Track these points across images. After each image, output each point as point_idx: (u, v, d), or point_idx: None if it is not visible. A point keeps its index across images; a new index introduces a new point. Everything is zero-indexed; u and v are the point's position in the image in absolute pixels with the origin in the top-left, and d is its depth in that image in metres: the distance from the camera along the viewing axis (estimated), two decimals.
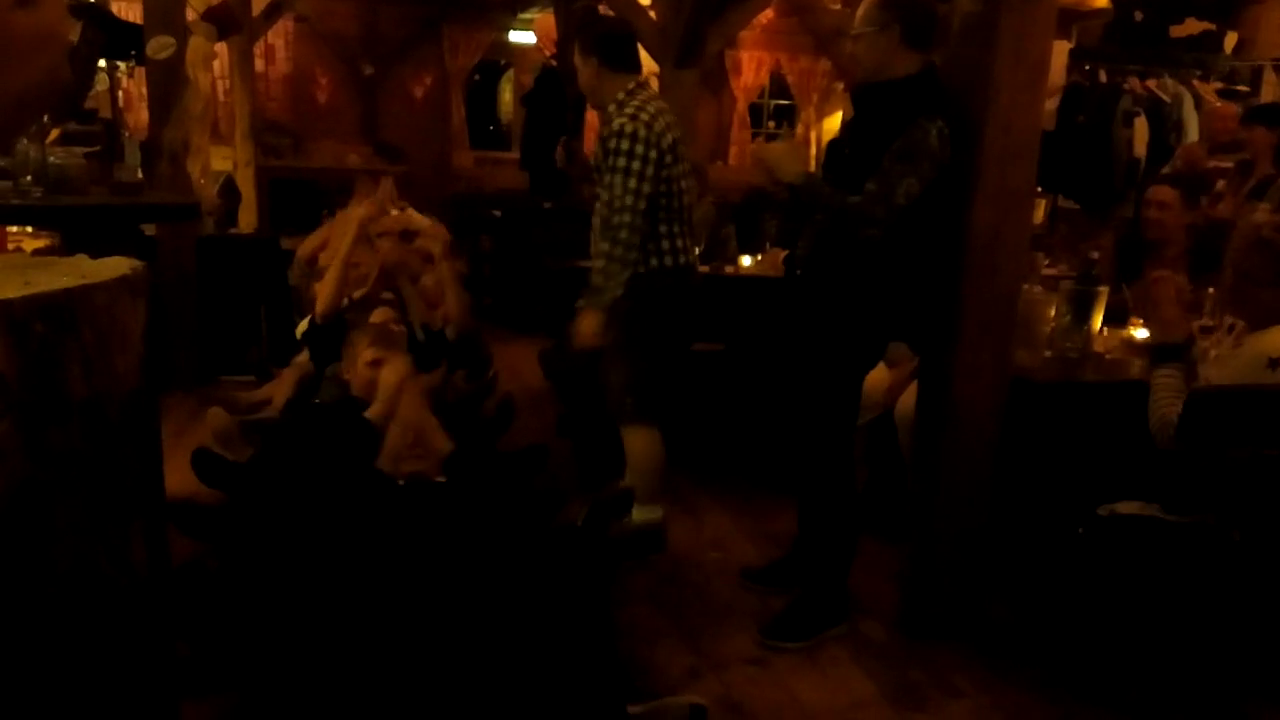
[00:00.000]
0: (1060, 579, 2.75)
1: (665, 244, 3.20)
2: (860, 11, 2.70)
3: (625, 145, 3.02)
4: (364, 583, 2.27)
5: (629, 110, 3.09)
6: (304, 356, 4.23)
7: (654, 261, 3.18)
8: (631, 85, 3.18)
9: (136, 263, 1.60)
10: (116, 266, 1.56)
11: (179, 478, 2.89)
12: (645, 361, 3.24)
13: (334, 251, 3.82)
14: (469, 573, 2.34)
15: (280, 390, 4.01)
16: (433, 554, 2.39)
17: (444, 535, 2.46)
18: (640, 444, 3.32)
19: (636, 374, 3.23)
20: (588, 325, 3.09)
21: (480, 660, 2.16)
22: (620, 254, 3.03)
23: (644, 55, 6.42)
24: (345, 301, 3.66)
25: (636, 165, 3.01)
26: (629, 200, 3.01)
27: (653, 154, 3.04)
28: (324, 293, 3.61)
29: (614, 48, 3.21)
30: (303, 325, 3.60)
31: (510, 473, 2.95)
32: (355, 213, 3.93)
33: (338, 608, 2.23)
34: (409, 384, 3.00)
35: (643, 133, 3.03)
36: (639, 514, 3.35)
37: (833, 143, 2.98)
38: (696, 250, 3.45)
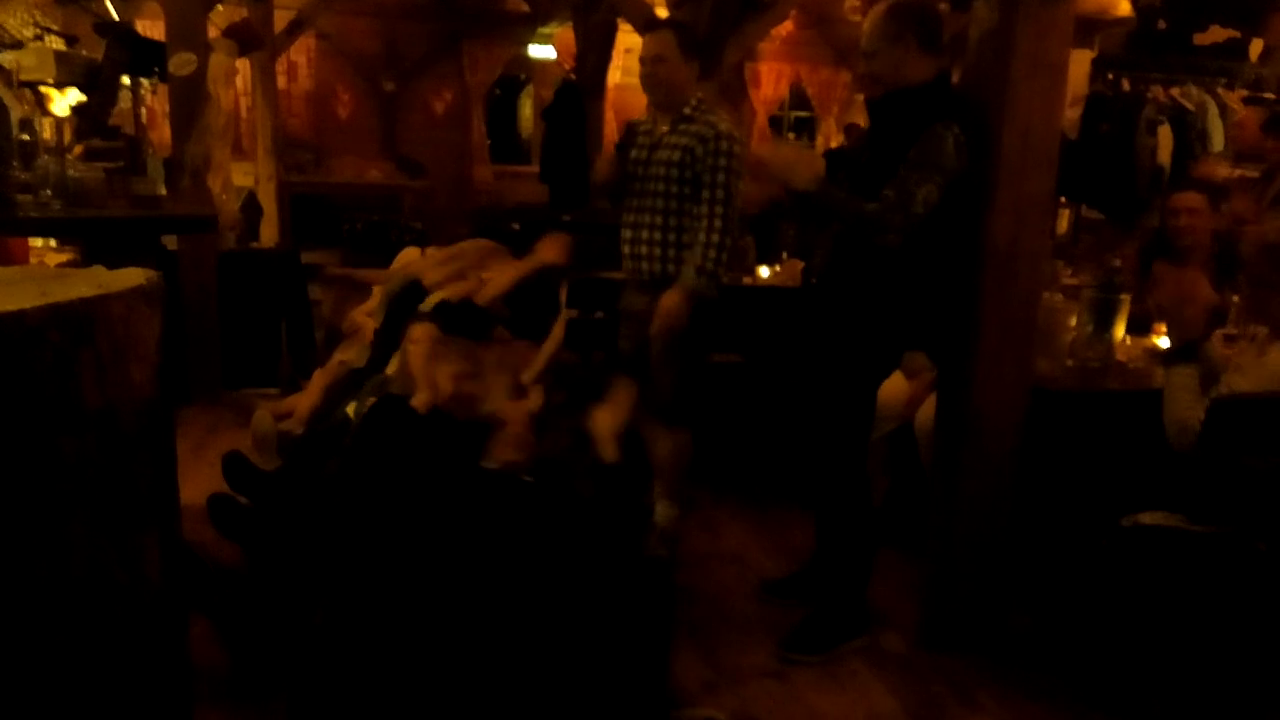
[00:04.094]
0: (1083, 591, 2.71)
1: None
2: (870, 28, 2.67)
3: (738, 149, 3.08)
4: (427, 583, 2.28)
5: (727, 123, 3.13)
6: (333, 360, 4.26)
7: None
8: (697, 98, 3.20)
9: (152, 273, 1.62)
10: (133, 277, 1.57)
11: (195, 490, 2.92)
12: (692, 364, 3.27)
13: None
14: (537, 581, 2.33)
15: (306, 399, 4.03)
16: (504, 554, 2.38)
17: (514, 536, 2.45)
18: (684, 446, 3.35)
19: (684, 376, 3.26)
20: (682, 307, 3.05)
21: (531, 671, 2.16)
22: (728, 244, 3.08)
23: None
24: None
25: (740, 172, 3.09)
26: (725, 211, 3.08)
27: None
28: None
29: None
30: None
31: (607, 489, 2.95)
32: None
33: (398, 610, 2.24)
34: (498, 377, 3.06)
35: (739, 149, 3.10)
36: (669, 511, 3.39)
37: (830, 153, 2.98)
38: None
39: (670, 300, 3.04)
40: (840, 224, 2.67)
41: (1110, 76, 6.72)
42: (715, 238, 3.05)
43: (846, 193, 2.65)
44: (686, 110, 3.15)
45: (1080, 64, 6.30)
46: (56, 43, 4.29)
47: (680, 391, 3.31)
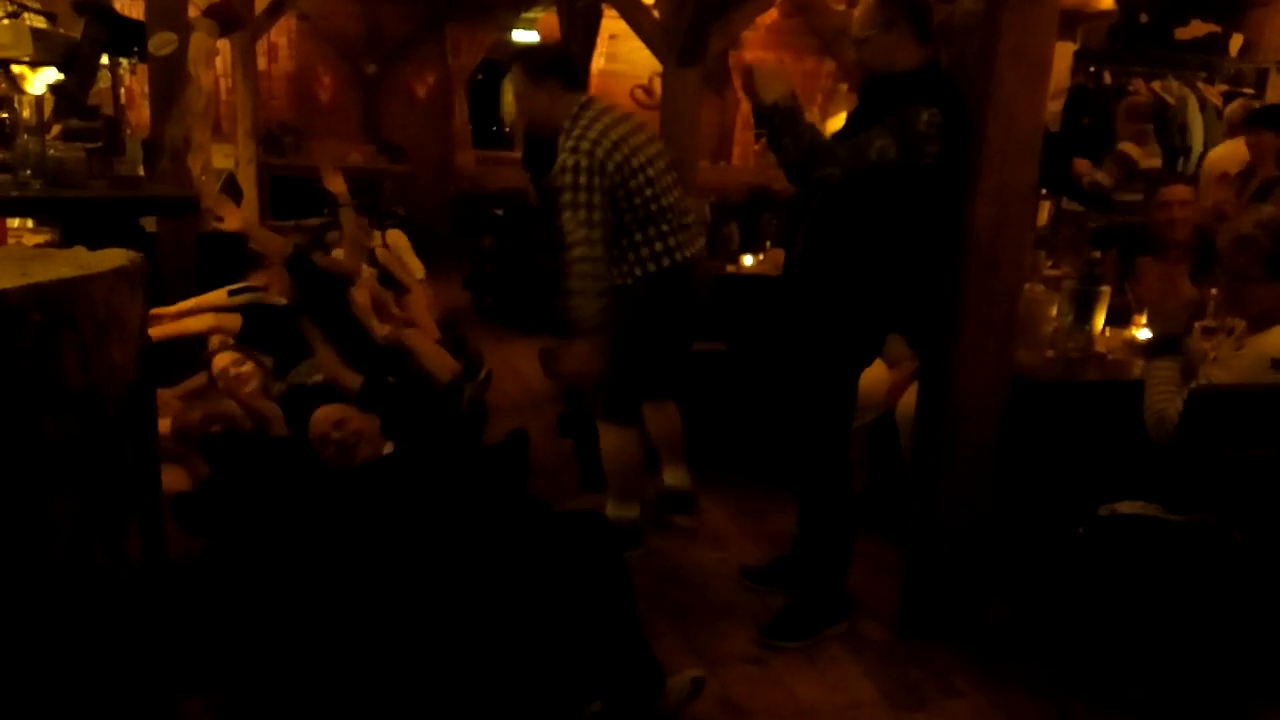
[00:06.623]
0: (1061, 579, 2.74)
1: (645, 251, 3.15)
2: (862, 14, 2.67)
3: (569, 179, 2.99)
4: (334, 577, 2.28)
5: (570, 143, 3.04)
6: None
7: (638, 271, 3.15)
8: (576, 109, 3.12)
9: (135, 254, 1.60)
10: (114, 258, 1.55)
11: (176, 475, 2.89)
12: (627, 361, 3.18)
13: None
14: (450, 558, 2.32)
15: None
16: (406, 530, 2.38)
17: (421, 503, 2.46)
18: (611, 442, 3.36)
19: (617, 371, 3.17)
20: (576, 353, 3.08)
21: (465, 652, 2.16)
22: (583, 285, 3.00)
23: (646, 53, 6.43)
24: None
25: (584, 197, 2.98)
26: (581, 233, 2.98)
27: (598, 180, 2.99)
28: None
29: (568, 67, 3.21)
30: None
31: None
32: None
33: (314, 599, 2.23)
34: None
35: (584, 162, 2.98)
36: (613, 510, 3.40)
37: None
38: (699, 242, 3.37)
39: (570, 352, 3.11)
40: (790, 142, 2.57)
41: (1092, 69, 6.75)
42: (571, 283, 3.00)
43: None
44: (566, 124, 3.10)
45: (1063, 57, 6.33)
46: (35, 20, 4.21)
47: (613, 388, 3.29)
